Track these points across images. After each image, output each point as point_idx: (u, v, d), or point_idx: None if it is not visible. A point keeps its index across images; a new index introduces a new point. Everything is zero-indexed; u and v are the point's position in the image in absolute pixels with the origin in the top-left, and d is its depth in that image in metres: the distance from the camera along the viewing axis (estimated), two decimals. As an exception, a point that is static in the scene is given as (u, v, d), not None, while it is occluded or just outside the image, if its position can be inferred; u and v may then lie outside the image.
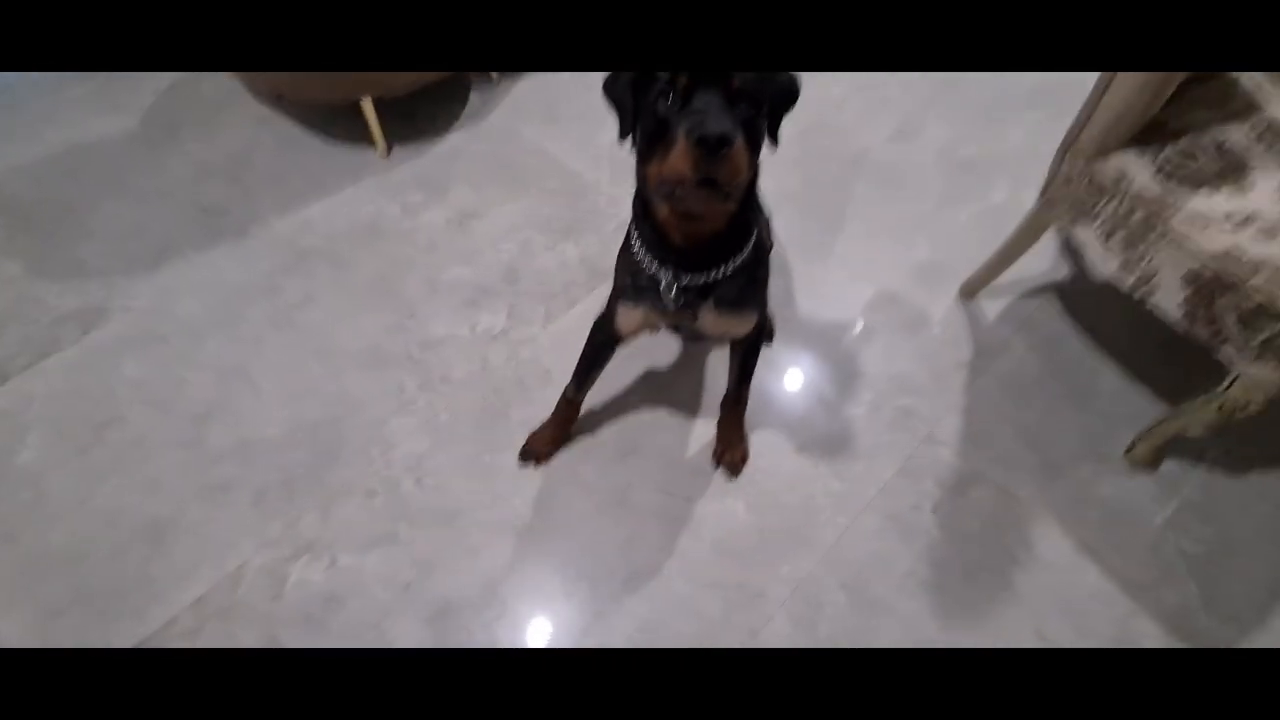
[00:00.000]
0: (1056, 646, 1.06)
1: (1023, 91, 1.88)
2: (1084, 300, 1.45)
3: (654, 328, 1.10)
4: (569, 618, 1.09)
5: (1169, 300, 0.99)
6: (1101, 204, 1.03)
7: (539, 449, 1.25)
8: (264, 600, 1.10)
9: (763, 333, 1.09)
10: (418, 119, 1.78)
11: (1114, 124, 0.98)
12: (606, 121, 1.76)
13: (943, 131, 1.80)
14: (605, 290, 1.49)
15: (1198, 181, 0.99)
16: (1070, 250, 1.51)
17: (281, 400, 1.32)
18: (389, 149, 1.70)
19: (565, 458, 1.26)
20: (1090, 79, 1.04)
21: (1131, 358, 1.35)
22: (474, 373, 1.35)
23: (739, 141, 0.72)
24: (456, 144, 1.74)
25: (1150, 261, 0.98)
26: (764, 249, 1.00)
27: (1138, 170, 1.00)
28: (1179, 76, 0.94)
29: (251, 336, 1.40)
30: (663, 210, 0.87)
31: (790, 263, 1.52)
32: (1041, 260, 1.50)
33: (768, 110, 0.80)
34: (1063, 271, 1.49)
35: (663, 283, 0.93)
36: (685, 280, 0.92)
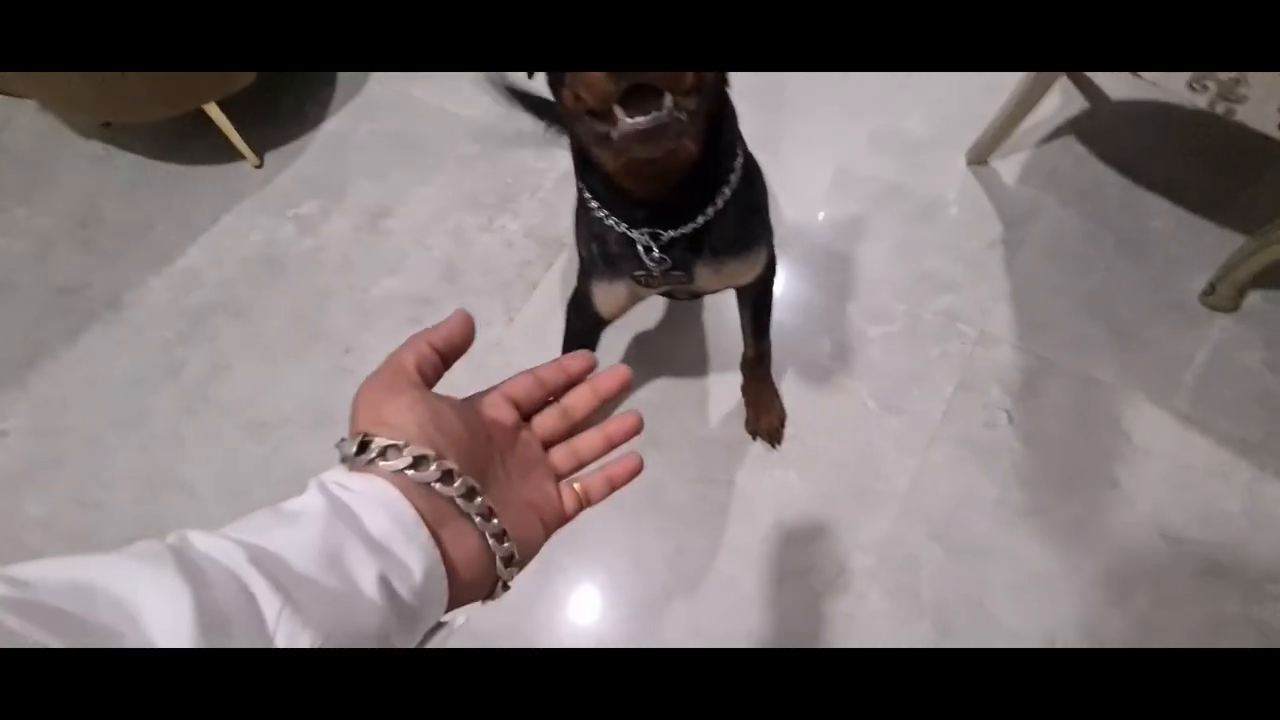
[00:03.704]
0: (1185, 542, 0.93)
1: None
2: (1107, 135, 1.25)
3: (640, 299, 0.88)
4: (635, 660, 0.93)
5: (1261, 111, 0.79)
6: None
7: (543, 472, 1.05)
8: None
9: (773, 270, 0.88)
10: (282, 113, 1.46)
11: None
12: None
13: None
14: (565, 262, 1.26)
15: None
16: (1078, 80, 1.29)
17: (225, 496, 1.10)
18: (260, 158, 1.40)
19: (577, 473, 1.06)
20: None
21: (1178, 187, 1.17)
22: (442, 401, 1.13)
23: None
24: (339, 130, 1.44)
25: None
26: (754, 164, 0.78)
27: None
28: None
29: (166, 431, 1.16)
30: (607, 159, 0.64)
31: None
32: (1049, 100, 1.28)
33: None
34: (1075, 106, 1.28)
35: (639, 246, 0.72)
36: (668, 236, 0.71)
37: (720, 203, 0.70)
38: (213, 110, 1.27)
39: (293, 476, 1.08)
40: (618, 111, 0.53)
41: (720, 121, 0.68)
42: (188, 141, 1.43)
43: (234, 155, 1.38)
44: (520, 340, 1.17)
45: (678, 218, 0.70)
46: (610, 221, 0.72)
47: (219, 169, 1.40)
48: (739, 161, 0.72)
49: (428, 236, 1.29)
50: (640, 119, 0.53)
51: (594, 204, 0.72)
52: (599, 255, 0.77)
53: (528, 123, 1.40)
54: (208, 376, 1.19)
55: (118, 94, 1.20)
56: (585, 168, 0.70)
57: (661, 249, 0.71)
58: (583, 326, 0.92)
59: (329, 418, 1.14)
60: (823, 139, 1.31)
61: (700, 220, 0.70)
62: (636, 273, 0.75)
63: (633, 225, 0.71)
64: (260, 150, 1.40)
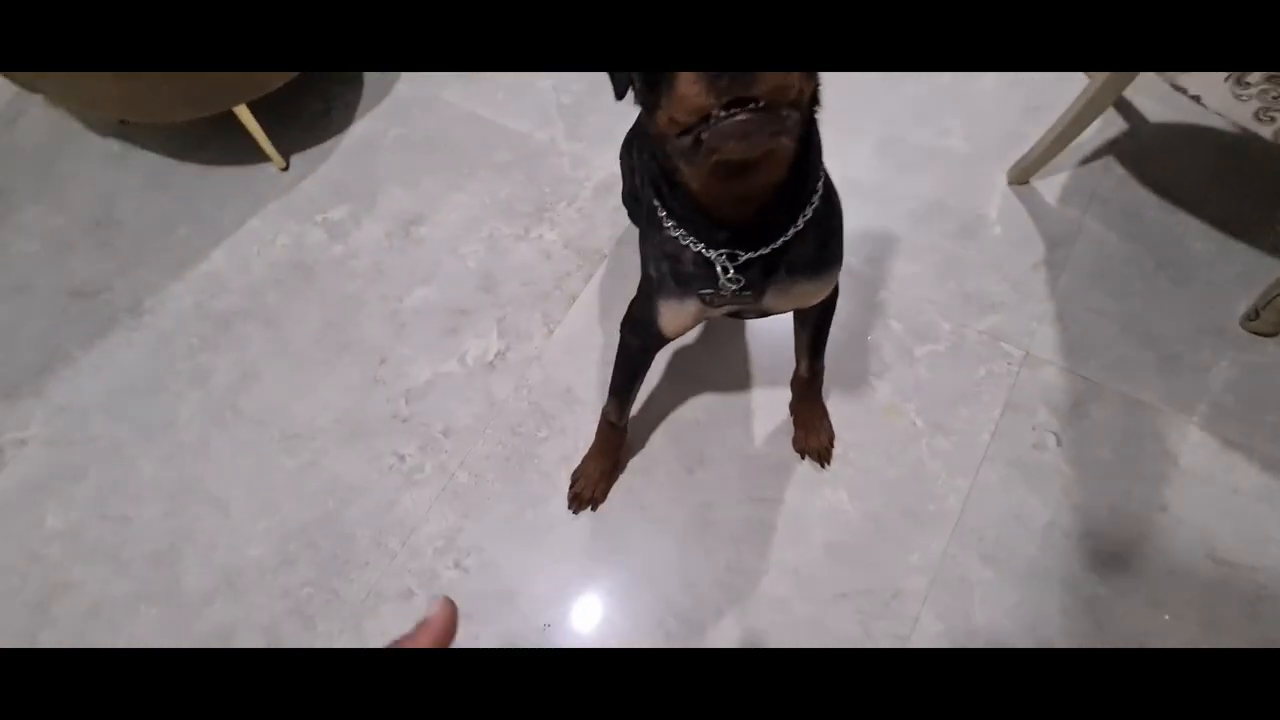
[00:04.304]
0: (1235, 566, 0.94)
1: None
2: (1147, 158, 1.25)
3: (705, 319, 0.87)
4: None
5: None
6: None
7: (589, 490, 1.03)
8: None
9: (838, 292, 0.87)
10: (308, 115, 1.42)
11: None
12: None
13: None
14: (605, 275, 1.25)
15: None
16: (1118, 102, 1.30)
17: (257, 511, 1.06)
18: (286, 161, 1.36)
19: (623, 490, 1.05)
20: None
21: (1218, 210, 1.18)
22: (481, 415, 1.11)
23: None
24: (366, 134, 1.40)
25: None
26: (832, 186, 0.77)
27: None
28: None
29: (193, 441, 1.12)
30: (695, 176, 0.63)
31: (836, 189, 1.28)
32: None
33: None
34: (1115, 128, 1.29)
35: (717, 266, 0.71)
36: (745, 256, 0.70)
37: (801, 223, 0.70)
38: (243, 112, 1.23)
39: (326, 490, 1.06)
40: (716, 113, 0.51)
41: (809, 138, 0.67)
42: (208, 141, 1.39)
43: (258, 157, 1.35)
44: (559, 353, 1.15)
45: (759, 239, 0.69)
46: (686, 242, 0.71)
47: (242, 170, 1.37)
48: (821, 183, 0.71)
49: (462, 245, 1.26)
50: (739, 113, 0.51)
51: (669, 223, 0.71)
52: (669, 274, 0.76)
53: (562, 130, 1.38)
54: (236, 386, 1.16)
55: (145, 94, 1.16)
56: (668, 189, 0.69)
57: (737, 269, 0.70)
58: (639, 345, 0.91)
59: (363, 430, 1.11)
60: (862, 155, 1.31)
61: (779, 241, 0.70)
62: (703, 291, 0.74)
63: (711, 246, 0.70)
64: (285, 153, 1.36)
